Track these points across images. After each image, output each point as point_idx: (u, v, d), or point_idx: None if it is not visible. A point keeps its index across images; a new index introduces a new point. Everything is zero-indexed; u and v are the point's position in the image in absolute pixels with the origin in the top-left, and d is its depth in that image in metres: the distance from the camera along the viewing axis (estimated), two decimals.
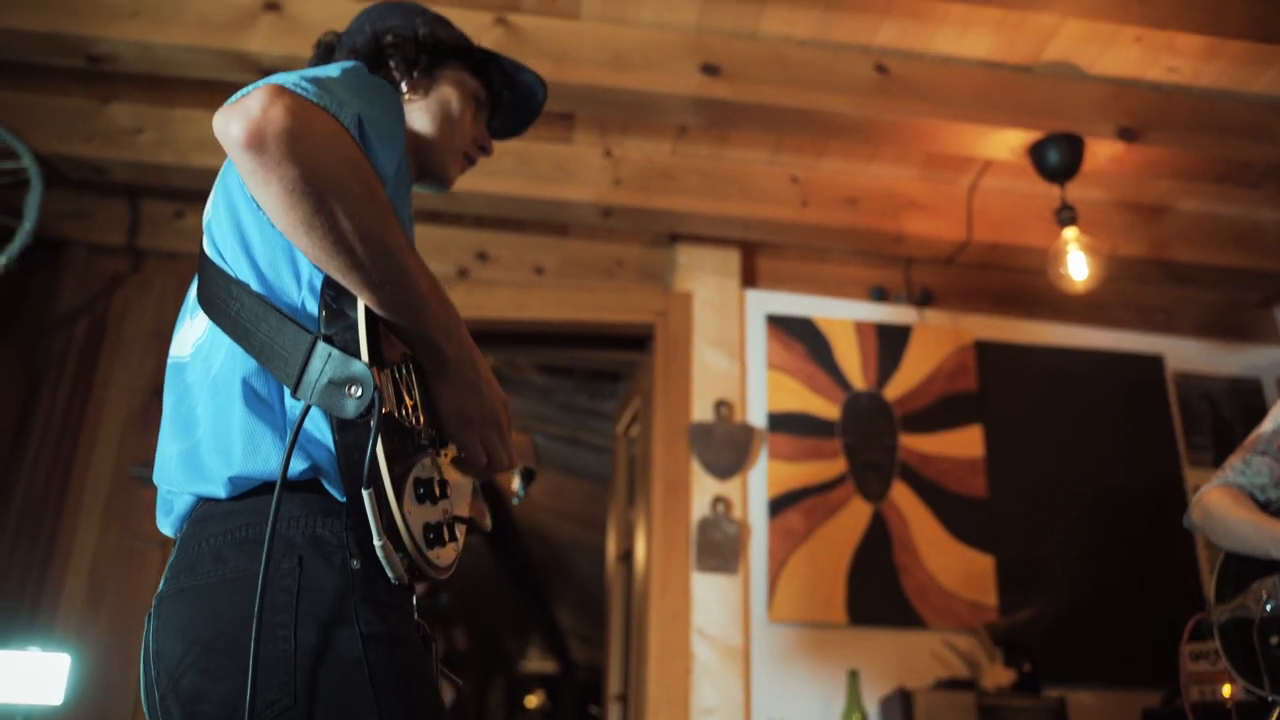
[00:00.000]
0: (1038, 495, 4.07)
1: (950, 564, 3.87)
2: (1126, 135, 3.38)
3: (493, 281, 4.15)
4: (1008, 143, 3.48)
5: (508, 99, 1.80)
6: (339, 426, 1.19)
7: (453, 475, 1.36)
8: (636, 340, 4.28)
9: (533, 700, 14.05)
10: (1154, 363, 4.41)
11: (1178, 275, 4.19)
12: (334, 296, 1.22)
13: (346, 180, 1.15)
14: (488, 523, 1.61)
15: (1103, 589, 3.96)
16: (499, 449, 1.41)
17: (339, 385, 1.16)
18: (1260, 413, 4.42)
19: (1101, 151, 3.49)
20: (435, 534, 1.24)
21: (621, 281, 4.23)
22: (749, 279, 4.25)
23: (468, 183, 3.67)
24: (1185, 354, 4.47)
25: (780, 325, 4.11)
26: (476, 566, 8.65)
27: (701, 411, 3.94)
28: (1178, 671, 3.57)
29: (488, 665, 11.70)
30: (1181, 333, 4.51)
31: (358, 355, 1.18)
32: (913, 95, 3.32)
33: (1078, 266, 3.56)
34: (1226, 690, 3.25)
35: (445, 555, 1.27)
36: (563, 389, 5.73)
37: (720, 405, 3.93)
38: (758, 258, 4.31)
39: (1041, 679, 3.55)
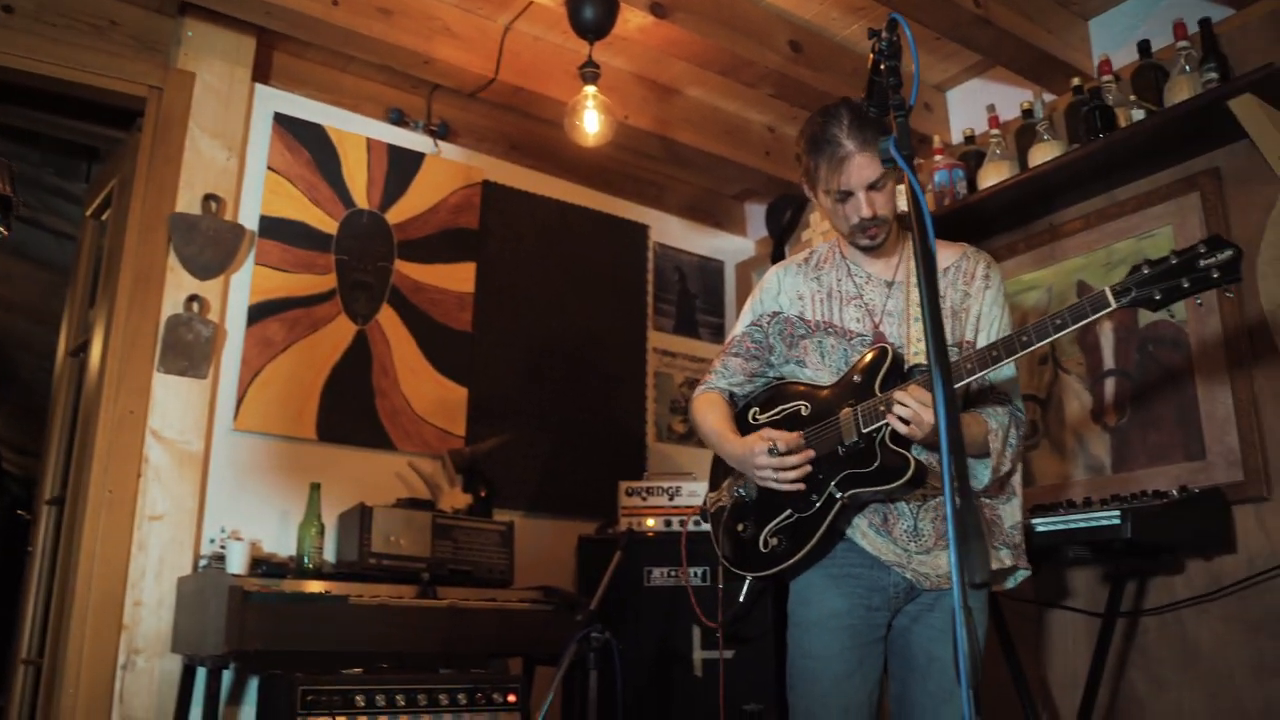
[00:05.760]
0: (518, 336, 4.26)
1: (426, 392, 3.95)
2: (657, 10, 3.53)
3: None
4: None
5: None
6: None
7: None
8: (124, 115, 3.80)
9: None
10: (640, 230, 4.78)
11: (675, 156, 4.51)
12: None
13: None
14: None
15: (562, 428, 4.28)
16: None
17: None
18: (719, 292, 4.97)
19: (633, 19, 3.63)
20: None
21: (114, 44, 3.72)
22: (262, 73, 3.94)
23: None
24: (667, 229, 4.90)
25: (288, 127, 3.87)
26: None
27: (188, 204, 3.63)
28: (614, 506, 3.97)
29: None
30: (668, 209, 4.94)
31: None
32: None
33: (591, 122, 3.71)
34: (650, 522, 3.67)
35: None
36: (26, 159, 5.00)
37: (210, 200, 3.64)
38: (275, 52, 4.00)
39: (495, 504, 3.77)
